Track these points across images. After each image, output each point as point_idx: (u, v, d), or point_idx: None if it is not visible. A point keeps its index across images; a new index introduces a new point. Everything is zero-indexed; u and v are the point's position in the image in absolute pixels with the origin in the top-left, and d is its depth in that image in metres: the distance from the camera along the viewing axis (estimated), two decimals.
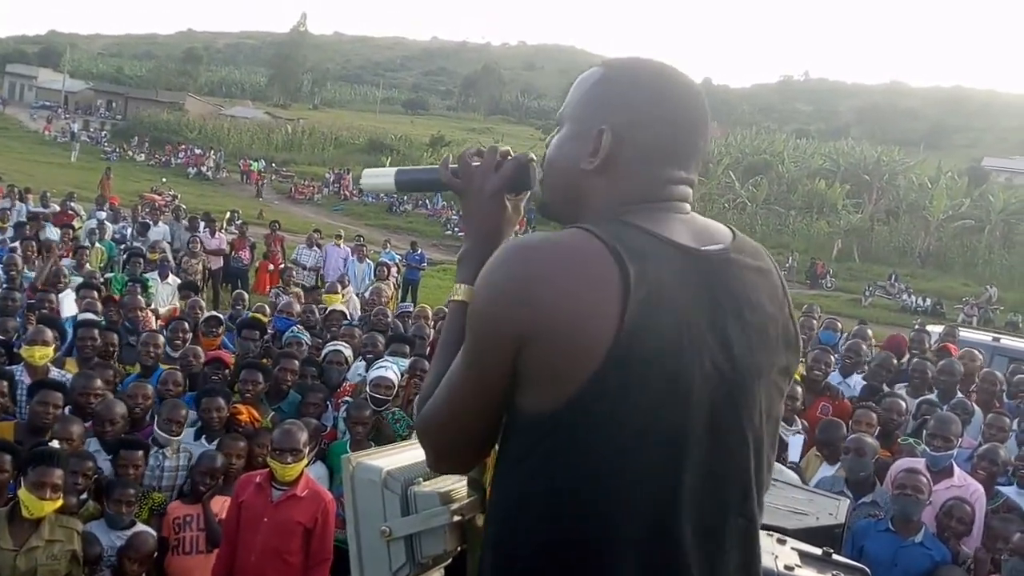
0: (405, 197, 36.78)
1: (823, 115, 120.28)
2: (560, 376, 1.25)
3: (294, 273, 13.04)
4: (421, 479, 1.72)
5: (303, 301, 9.23)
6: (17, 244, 10.17)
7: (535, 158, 1.57)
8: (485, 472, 1.56)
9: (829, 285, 31.48)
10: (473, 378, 1.34)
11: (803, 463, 5.41)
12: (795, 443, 5.50)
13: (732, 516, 1.35)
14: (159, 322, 7.88)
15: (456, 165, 1.62)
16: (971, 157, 71.07)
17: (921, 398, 6.42)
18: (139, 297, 7.96)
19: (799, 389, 5.89)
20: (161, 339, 6.34)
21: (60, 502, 3.84)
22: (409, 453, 1.79)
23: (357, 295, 12.03)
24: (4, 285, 7.98)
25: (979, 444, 5.74)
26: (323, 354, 6.59)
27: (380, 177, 1.73)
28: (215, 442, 4.98)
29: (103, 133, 54.40)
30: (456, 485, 1.72)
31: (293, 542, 4.24)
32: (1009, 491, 5.15)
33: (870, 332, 9.58)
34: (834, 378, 6.72)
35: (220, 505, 4.55)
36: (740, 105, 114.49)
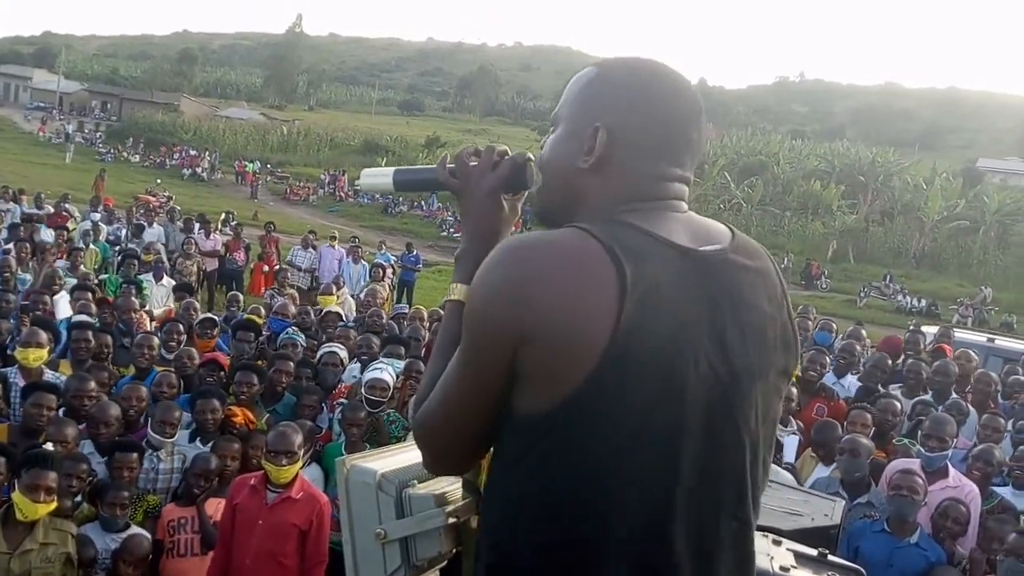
0: (400, 198, 36.77)
1: (818, 116, 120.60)
2: (556, 376, 1.24)
3: (289, 275, 13.01)
4: (416, 481, 1.72)
5: (298, 303, 9.22)
6: (11, 246, 10.15)
7: (532, 157, 1.56)
8: (480, 474, 1.56)
9: (824, 286, 31.55)
10: (470, 378, 1.34)
11: (798, 464, 5.42)
12: (790, 444, 5.51)
13: (726, 518, 1.35)
14: (154, 324, 7.87)
15: (454, 165, 1.62)
16: (966, 158, 71.31)
17: (916, 399, 6.44)
18: (133, 299, 7.94)
19: (794, 390, 5.90)
20: (156, 341, 6.32)
21: (54, 505, 3.83)
22: (404, 455, 1.79)
23: (352, 296, 12.02)
24: None
25: (974, 445, 5.75)
26: (318, 356, 6.58)
27: (378, 177, 1.74)
28: (209, 444, 4.97)
29: (98, 134, 54.24)
30: (451, 487, 1.71)
31: (288, 544, 4.23)
32: (1004, 492, 5.16)
33: (864, 333, 9.60)
34: (828, 379, 6.74)
35: (215, 507, 4.53)
36: (735, 106, 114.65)
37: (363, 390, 5.60)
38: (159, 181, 33.72)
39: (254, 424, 5.33)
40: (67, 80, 77.70)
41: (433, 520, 1.65)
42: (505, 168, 1.57)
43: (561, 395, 1.24)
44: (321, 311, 8.76)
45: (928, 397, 6.49)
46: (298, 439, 4.36)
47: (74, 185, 26.32)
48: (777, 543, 2.35)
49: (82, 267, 10.33)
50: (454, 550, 1.70)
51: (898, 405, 6.01)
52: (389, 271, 15.46)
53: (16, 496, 3.77)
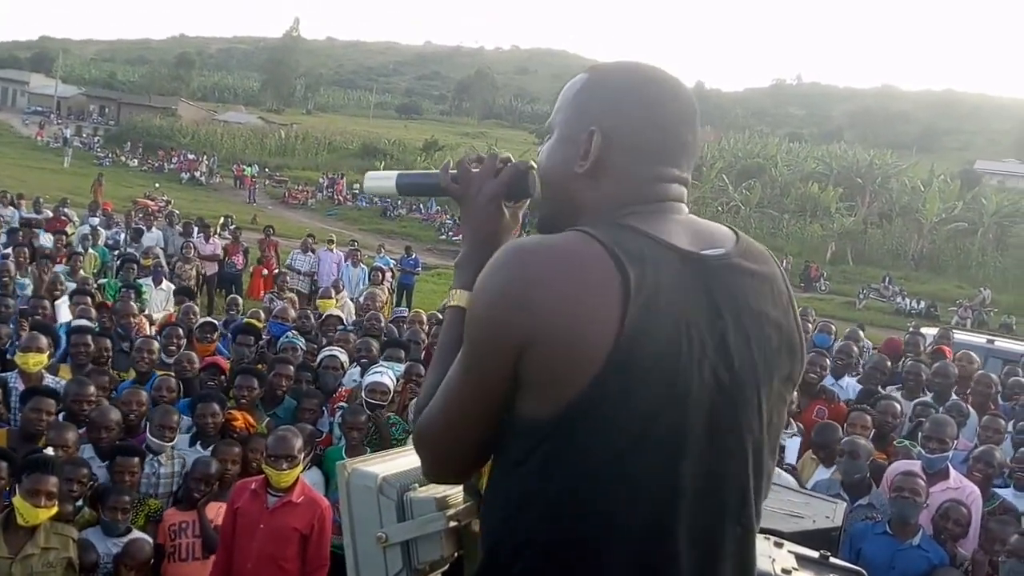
0: (399, 202, 36.78)
1: (815, 119, 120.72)
2: (559, 380, 1.24)
3: (288, 278, 13.00)
4: (417, 485, 1.72)
5: (298, 307, 9.21)
6: (9, 251, 10.14)
7: (535, 165, 1.56)
8: (481, 477, 1.55)
9: (823, 288, 31.55)
10: (472, 383, 1.33)
11: (799, 466, 5.42)
12: (791, 446, 5.51)
13: (729, 523, 1.35)
14: (153, 328, 7.86)
15: (456, 171, 1.62)
16: (963, 160, 71.42)
17: (917, 400, 6.44)
18: (131, 303, 7.92)
19: (794, 392, 5.90)
20: (156, 345, 6.31)
21: (55, 509, 3.83)
22: (405, 459, 1.79)
23: (352, 300, 12.01)
24: None
25: (975, 446, 5.75)
26: (319, 359, 6.58)
27: (382, 180, 1.75)
28: (210, 448, 4.96)
29: (96, 139, 54.23)
30: (452, 491, 1.71)
31: (289, 548, 4.23)
32: (1005, 493, 5.16)
33: (862, 334, 9.61)
34: (826, 380, 6.74)
35: (215, 511, 4.53)
36: (733, 109, 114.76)
37: (363, 394, 5.60)
38: (157, 185, 33.80)
39: (254, 428, 5.33)
40: (65, 84, 77.74)
41: (434, 524, 1.65)
42: (507, 175, 1.57)
43: (565, 399, 1.24)
44: (320, 315, 8.75)
45: (928, 399, 6.49)
46: (298, 443, 4.35)
47: (72, 189, 26.35)
48: (779, 545, 2.35)
49: (81, 271, 10.32)
50: (455, 554, 1.70)
51: (898, 407, 6.01)
52: (388, 274, 15.44)
53: (17, 501, 3.76)
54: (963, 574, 4.47)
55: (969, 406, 6.56)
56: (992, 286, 32.09)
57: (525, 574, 1.31)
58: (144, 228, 14.94)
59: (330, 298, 10.38)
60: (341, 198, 40.86)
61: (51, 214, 15.58)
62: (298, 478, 4.36)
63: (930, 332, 10.49)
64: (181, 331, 6.93)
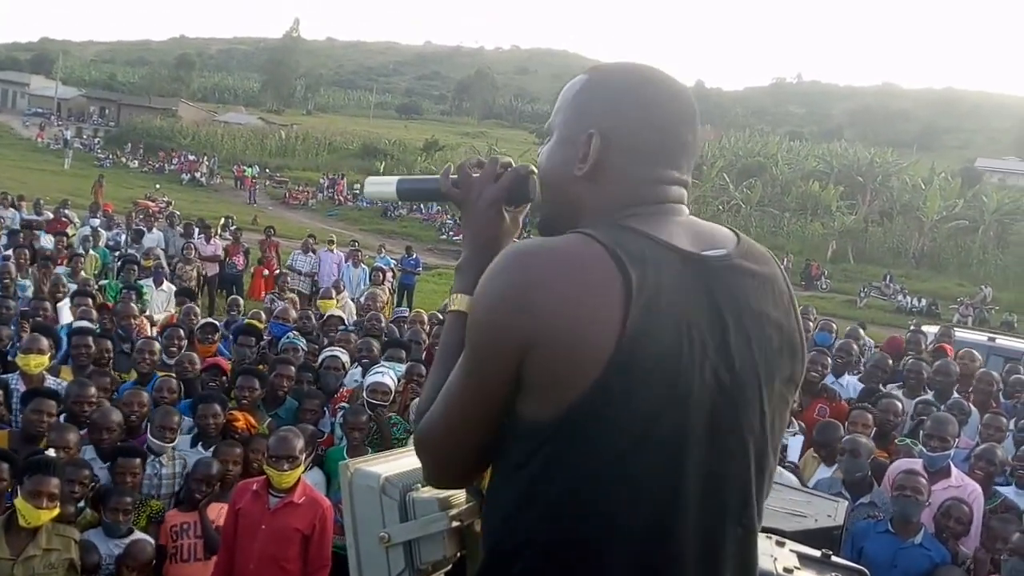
0: (400, 202, 36.72)
1: (816, 117, 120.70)
2: (561, 382, 1.24)
3: (289, 279, 13.01)
4: (419, 485, 1.72)
5: (299, 307, 9.21)
6: (10, 252, 10.14)
7: (535, 170, 1.56)
8: (483, 478, 1.56)
9: (824, 286, 31.54)
10: (473, 388, 1.33)
11: (800, 464, 5.42)
12: (794, 444, 5.51)
13: (731, 523, 1.35)
14: (154, 329, 7.87)
15: (456, 176, 1.62)
16: (963, 158, 71.37)
17: (918, 399, 6.43)
18: (131, 305, 7.93)
19: (796, 392, 5.90)
20: (157, 346, 6.32)
21: (57, 511, 3.83)
22: (408, 459, 1.78)
23: (353, 300, 12.02)
24: None
25: (976, 444, 5.74)
26: (320, 359, 6.58)
27: (382, 185, 1.75)
28: (211, 449, 4.96)
29: (96, 140, 54.25)
30: (455, 491, 1.71)
31: (291, 549, 4.23)
32: (1007, 491, 5.16)
33: (862, 332, 9.60)
34: (827, 379, 6.73)
35: (217, 512, 4.53)
36: (733, 108, 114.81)
37: (365, 394, 5.60)
38: (158, 186, 33.80)
39: (256, 429, 5.33)
40: (65, 86, 77.73)
41: (437, 524, 1.65)
42: (507, 180, 1.56)
43: (567, 401, 1.24)
44: (321, 315, 8.75)
45: (930, 397, 6.49)
46: (300, 444, 4.35)
47: (73, 191, 26.34)
48: (780, 544, 2.35)
49: (82, 273, 10.34)
50: (458, 554, 1.70)
51: (899, 405, 6.00)
52: (389, 275, 15.44)
53: (19, 502, 3.77)
54: (965, 572, 4.47)
55: (970, 404, 6.57)
56: (993, 284, 32.07)
57: (525, 574, 1.31)
58: (145, 229, 14.95)
59: (331, 298, 10.38)
60: (342, 198, 40.86)
61: (52, 216, 15.59)
62: (299, 479, 4.36)
63: (931, 330, 10.49)
64: (182, 332, 6.93)
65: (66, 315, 7.57)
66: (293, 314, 8.29)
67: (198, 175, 43.50)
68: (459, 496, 1.69)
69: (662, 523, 1.28)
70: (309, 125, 66.59)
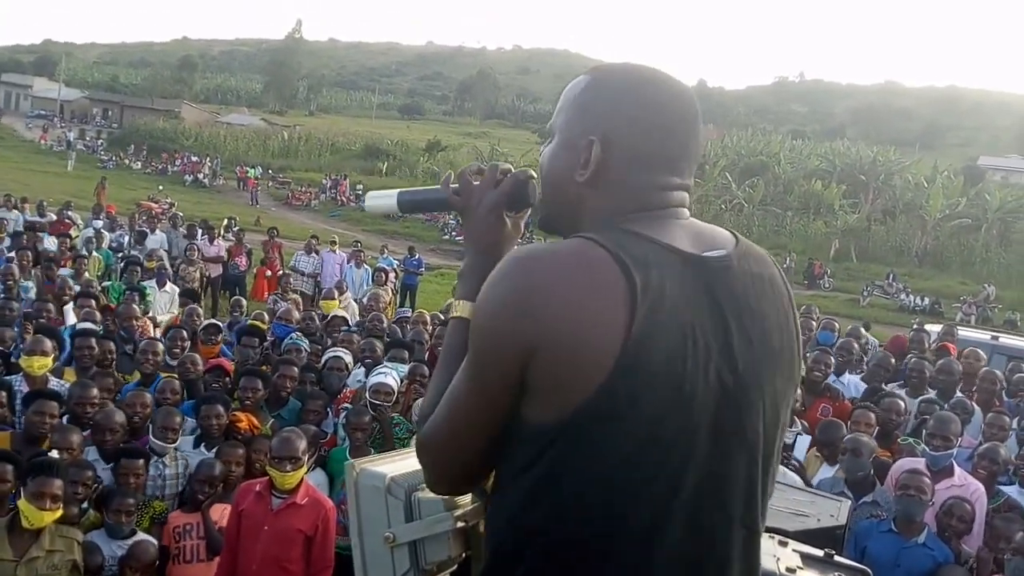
0: None
1: (818, 116, 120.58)
2: (566, 386, 1.24)
3: (292, 280, 13.02)
4: (424, 485, 1.72)
5: (302, 308, 9.22)
6: (14, 254, 10.16)
7: (535, 175, 1.56)
8: (488, 478, 1.56)
9: (827, 285, 31.52)
10: (476, 393, 1.33)
11: (803, 463, 5.41)
12: (801, 443, 5.51)
13: (734, 524, 1.35)
14: (157, 330, 7.88)
15: (457, 184, 1.62)
16: (966, 156, 71.20)
17: (922, 397, 6.42)
18: (134, 306, 7.95)
19: (799, 390, 5.90)
20: (160, 347, 6.33)
21: (60, 512, 3.84)
22: (413, 460, 1.78)
23: (355, 301, 12.03)
24: (1, 295, 7.97)
25: (979, 443, 5.74)
26: (323, 360, 6.58)
27: (383, 199, 1.75)
28: (214, 450, 4.97)
29: (99, 142, 54.32)
30: None
31: (294, 550, 4.23)
32: (1011, 490, 5.15)
33: (864, 331, 9.59)
34: (829, 378, 6.73)
35: (220, 513, 4.54)
36: (735, 107, 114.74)
37: (367, 395, 5.60)
38: (161, 188, 33.81)
39: (258, 429, 5.33)
40: (68, 88, 77.93)
41: (442, 524, 1.65)
42: (507, 186, 1.56)
43: (572, 405, 1.23)
44: (324, 316, 8.76)
45: (933, 396, 6.48)
46: (302, 444, 4.35)
47: (76, 193, 26.37)
48: (783, 544, 2.35)
49: (85, 274, 10.35)
50: (463, 554, 1.70)
51: (902, 404, 6.00)
52: (391, 275, 15.45)
53: (22, 504, 3.77)
54: (968, 572, 4.46)
55: (974, 403, 6.56)
56: (996, 282, 32.06)
57: (527, 574, 1.31)
58: (148, 231, 14.97)
59: (334, 299, 10.40)
60: (344, 199, 40.85)
61: (55, 217, 15.62)
62: (302, 479, 4.36)
63: (934, 329, 10.46)
64: (185, 333, 6.95)
65: (72, 317, 7.59)
66: (296, 315, 8.30)
67: (201, 176, 43.54)
68: (464, 496, 1.69)
69: (666, 524, 1.28)
70: (311, 126, 66.62)
